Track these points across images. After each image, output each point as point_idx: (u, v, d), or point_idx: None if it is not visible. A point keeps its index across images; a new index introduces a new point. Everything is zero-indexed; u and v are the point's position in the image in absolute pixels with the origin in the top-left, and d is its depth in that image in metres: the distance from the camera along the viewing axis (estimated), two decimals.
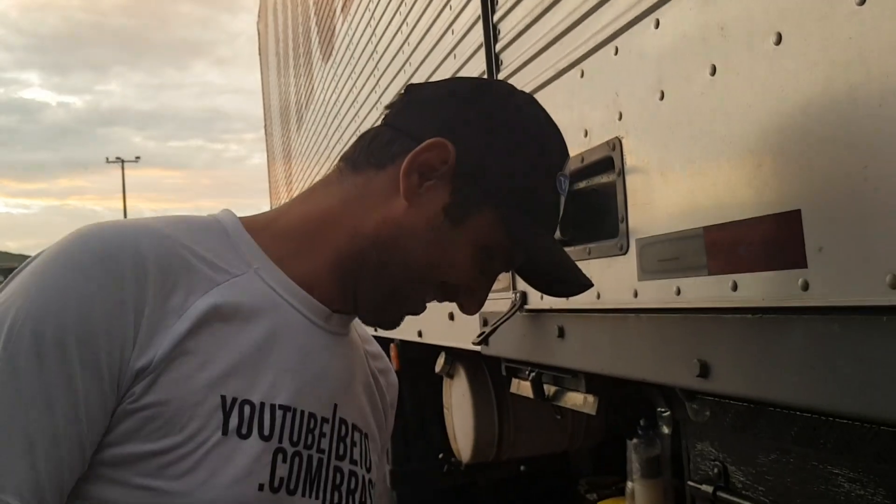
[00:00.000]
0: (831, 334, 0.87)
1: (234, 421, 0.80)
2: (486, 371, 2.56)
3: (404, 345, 3.12)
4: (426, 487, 3.16)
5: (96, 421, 0.75)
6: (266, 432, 0.82)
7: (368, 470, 0.97)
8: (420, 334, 2.61)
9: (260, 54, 8.97)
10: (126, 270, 0.77)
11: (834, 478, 1.06)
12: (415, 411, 3.17)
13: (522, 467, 2.78)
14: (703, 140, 1.06)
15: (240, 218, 0.92)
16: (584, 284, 0.97)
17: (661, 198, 1.18)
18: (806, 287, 0.89)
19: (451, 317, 2.25)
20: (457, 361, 2.67)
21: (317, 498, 0.87)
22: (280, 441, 0.83)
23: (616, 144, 1.27)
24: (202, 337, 0.79)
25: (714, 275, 1.05)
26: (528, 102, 0.95)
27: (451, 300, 0.95)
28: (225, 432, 0.79)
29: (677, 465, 1.75)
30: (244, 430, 0.80)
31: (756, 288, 0.98)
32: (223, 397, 0.80)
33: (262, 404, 0.82)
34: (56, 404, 0.73)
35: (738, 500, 1.23)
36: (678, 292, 1.13)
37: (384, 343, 2.97)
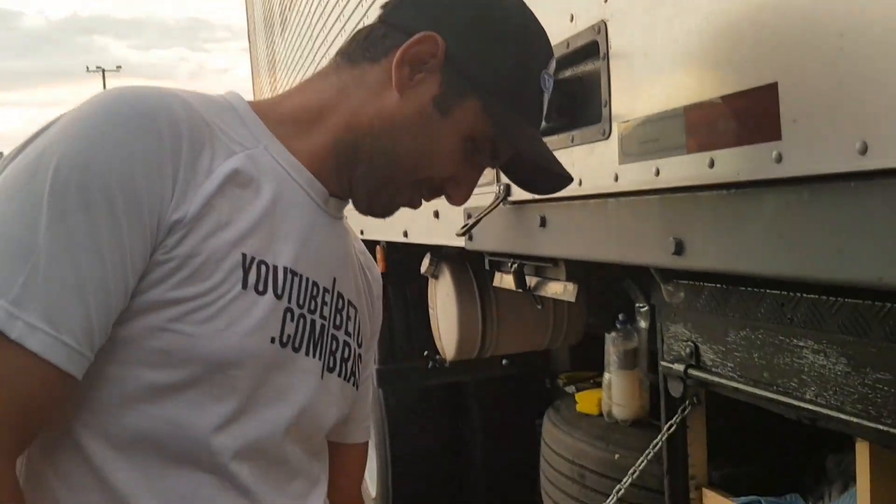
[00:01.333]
0: (801, 203, 0.90)
1: (252, 277, 0.85)
2: (469, 271, 2.60)
3: (390, 247, 3.15)
4: (411, 386, 3.26)
5: (137, 270, 0.79)
6: (279, 291, 0.88)
7: (360, 345, 1.04)
8: (405, 234, 2.63)
9: None
10: (164, 129, 0.81)
11: (799, 351, 1.11)
12: (400, 312, 3.23)
13: (505, 361, 2.86)
14: (685, 18, 1.07)
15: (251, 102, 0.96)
16: (565, 177, 1.02)
17: (644, 80, 1.19)
18: (779, 159, 0.91)
19: (437, 215, 2.28)
20: (442, 262, 2.71)
21: (318, 359, 0.95)
22: (289, 301, 0.90)
23: (601, 27, 1.27)
24: (225, 198, 0.85)
25: (692, 153, 1.07)
26: (516, 3, 0.99)
27: (439, 194, 0.99)
28: (244, 287, 0.85)
29: (653, 361, 1.81)
30: (260, 287, 0.86)
31: (732, 163, 1.00)
32: (244, 255, 0.85)
33: (276, 266, 0.89)
34: (105, 252, 0.76)
35: (706, 377, 1.28)
36: (657, 173, 1.15)
37: (370, 246, 3.00)
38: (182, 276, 0.81)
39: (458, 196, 0.99)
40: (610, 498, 1.47)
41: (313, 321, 0.94)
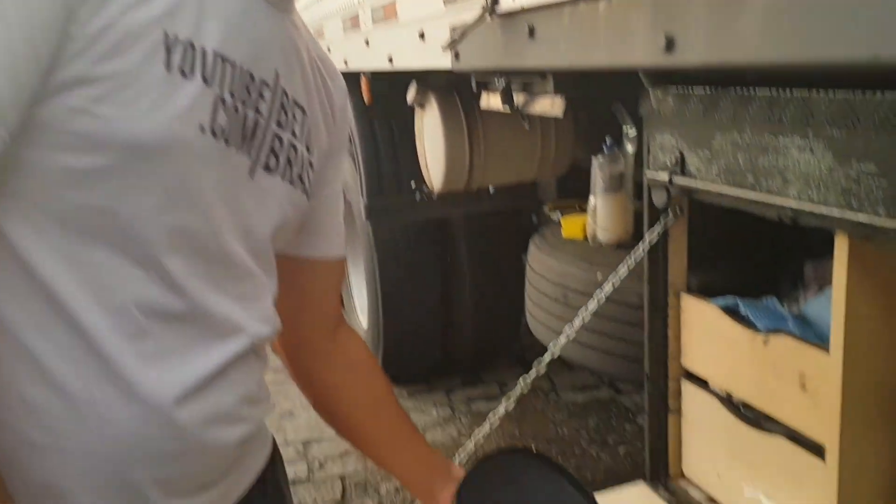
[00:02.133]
0: None
1: (176, 58, 0.77)
2: (456, 98, 2.55)
3: (374, 78, 3.07)
4: (400, 220, 3.26)
5: (49, 41, 0.72)
6: (207, 77, 0.80)
7: (308, 150, 0.95)
8: (391, 60, 2.56)
9: None
10: None
11: (785, 150, 1.10)
12: (388, 145, 3.19)
13: (492, 190, 2.86)
14: None
15: None
16: None
17: None
18: None
19: (422, 36, 2.20)
20: (428, 91, 2.66)
21: (251, 158, 0.87)
22: (220, 90, 0.82)
23: None
24: None
25: None
26: None
27: None
28: (168, 68, 0.77)
29: (639, 187, 1.81)
30: (186, 70, 0.78)
31: None
32: (165, 33, 0.77)
33: (204, 49, 0.80)
34: (12, 22, 0.69)
35: (690, 184, 1.28)
36: None
37: (353, 77, 2.93)
38: (97, 53, 0.73)
39: None
40: (588, 306, 1.49)
41: (247, 115, 0.86)
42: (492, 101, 1.93)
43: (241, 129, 0.84)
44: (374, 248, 3.33)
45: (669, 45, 1.09)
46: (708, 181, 1.24)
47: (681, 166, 1.31)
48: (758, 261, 1.59)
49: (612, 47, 1.26)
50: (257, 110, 0.87)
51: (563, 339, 1.53)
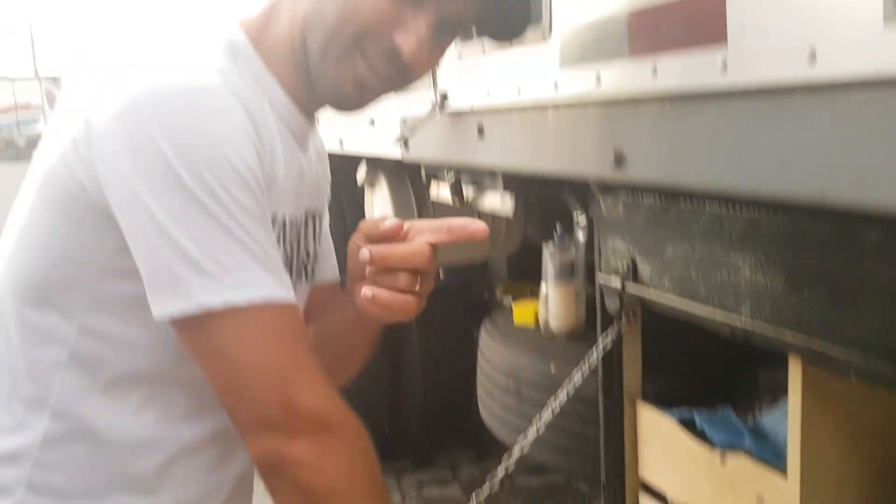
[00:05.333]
0: (745, 114, 0.86)
1: (276, 234, 0.94)
2: (406, 180, 2.54)
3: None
4: None
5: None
6: (284, 240, 0.98)
7: (319, 245, 1.11)
8: (341, 143, 2.55)
9: None
10: (246, 116, 0.87)
11: (736, 267, 1.09)
12: (337, 222, 3.15)
13: (441, 276, 2.83)
14: None
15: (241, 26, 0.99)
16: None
17: None
18: (725, 67, 0.87)
19: (372, 123, 2.19)
20: (378, 171, 2.64)
21: (304, 281, 1.06)
22: (288, 246, 0.99)
23: None
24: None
25: (635, 57, 1.01)
26: None
27: (390, 53, 0.95)
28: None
29: (590, 273, 1.80)
30: (279, 240, 0.95)
31: (675, 71, 0.95)
32: (274, 214, 0.93)
33: (285, 219, 0.97)
34: (265, 219, 0.87)
35: (642, 291, 1.26)
36: (598, 81, 1.10)
37: None
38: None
39: (409, 46, 0.93)
40: (545, 409, 1.46)
41: (299, 251, 1.03)
42: (441, 192, 1.91)
43: (296, 265, 1.03)
44: None
45: (619, 160, 1.08)
46: (660, 291, 1.23)
47: (633, 273, 1.30)
48: (712, 368, 1.57)
49: (561, 156, 1.25)
50: (304, 243, 1.05)
51: (529, 439, 1.49)
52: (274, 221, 0.95)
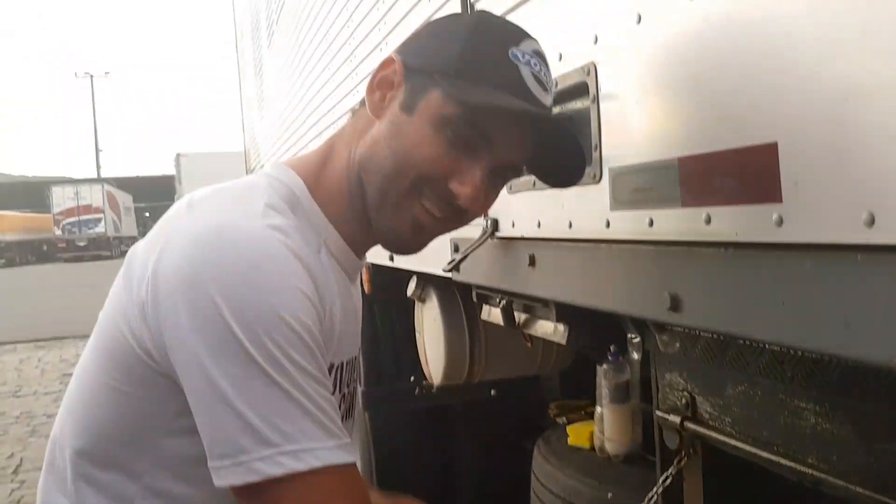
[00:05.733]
0: (804, 271, 0.85)
1: (334, 382, 1.00)
2: (457, 296, 2.55)
3: (376, 269, 3.09)
4: (398, 409, 3.19)
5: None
6: (342, 385, 1.04)
7: (359, 384, 1.22)
8: (391, 258, 2.58)
9: None
10: (305, 274, 0.90)
11: (800, 411, 1.06)
12: (387, 335, 3.17)
13: (493, 391, 2.80)
14: (680, 67, 1.02)
15: (296, 171, 1.05)
16: (578, 153, 1.08)
17: (636, 126, 1.14)
18: (780, 222, 0.86)
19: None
20: (428, 286, 2.66)
21: (351, 419, 1.12)
22: (342, 389, 1.05)
23: (591, 69, 1.22)
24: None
25: (687, 207, 1.02)
26: (475, 12, 1.16)
27: (446, 198, 0.99)
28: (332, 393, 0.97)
29: (646, 392, 1.76)
30: (336, 388, 1.01)
31: (729, 222, 0.95)
32: (332, 364, 0.99)
33: (342, 363, 1.03)
34: (323, 377, 0.91)
35: (705, 431, 1.23)
36: (651, 224, 1.10)
37: None
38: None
39: (465, 193, 0.98)
40: None
41: (351, 392, 1.09)
42: (492, 314, 1.92)
43: (349, 406, 1.08)
44: (371, 438, 3.23)
45: (674, 304, 1.07)
46: (722, 432, 1.20)
47: (692, 410, 1.27)
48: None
49: (614, 294, 1.24)
50: (352, 383, 1.10)
51: None
52: (331, 370, 0.97)
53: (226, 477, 0.83)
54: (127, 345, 0.90)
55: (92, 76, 48.58)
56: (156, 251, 0.91)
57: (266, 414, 0.82)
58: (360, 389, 3.17)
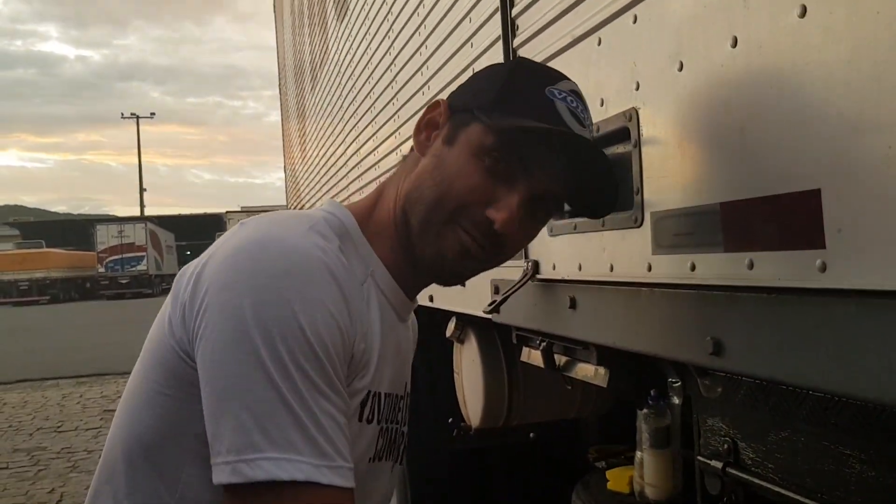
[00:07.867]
0: (848, 317, 0.85)
1: (367, 411, 1.00)
2: (496, 337, 2.55)
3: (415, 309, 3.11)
4: (435, 451, 3.18)
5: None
6: (380, 417, 1.04)
7: (406, 426, 1.19)
8: (431, 299, 2.60)
9: (275, 11, 8.87)
10: (338, 293, 0.92)
11: (845, 458, 1.05)
12: (425, 375, 3.17)
13: (532, 434, 2.79)
14: (721, 113, 1.03)
15: (350, 209, 1.10)
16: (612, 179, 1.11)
17: (678, 171, 1.15)
18: (823, 268, 0.87)
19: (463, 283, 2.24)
20: (468, 327, 2.66)
21: (392, 460, 1.12)
22: (384, 423, 1.06)
23: (632, 115, 1.24)
24: (361, 342, 0.99)
25: (729, 252, 1.03)
26: (518, 58, 1.21)
27: (484, 225, 1.02)
28: (360, 419, 1.00)
29: (687, 437, 1.75)
30: (370, 417, 1.02)
31: (772, 267, 0.96)
32: (368, 392, 1.00)
33: (380, 393, 1.03)
34: (338, 399, 0.91)
35: (747, 478, 1.22)
36: (693, 268, 1.11)
37: None
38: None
39: (500, 218, 1.01)
40: None
41: (394, 430, 1.09)
42: (532, 356, 1.92)
43: (390, 444, 1.09)
44: (408, 480, 3.22)
45: (717, 348, 1.07)
46: (765, 479, 1.19)
47: (734, 456, 1.26)
48: None
49: (656, 338, 1.25)
50: (397, 421, 1.10)
51: None
52: (368, 397, 0.98)
53: (217, 474, 0.84)
54: (169, 347, 0.93)
55: (138, 116, 49.78)
56: (203, 261, 0.95)
57: (259, 416, 0.83)
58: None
